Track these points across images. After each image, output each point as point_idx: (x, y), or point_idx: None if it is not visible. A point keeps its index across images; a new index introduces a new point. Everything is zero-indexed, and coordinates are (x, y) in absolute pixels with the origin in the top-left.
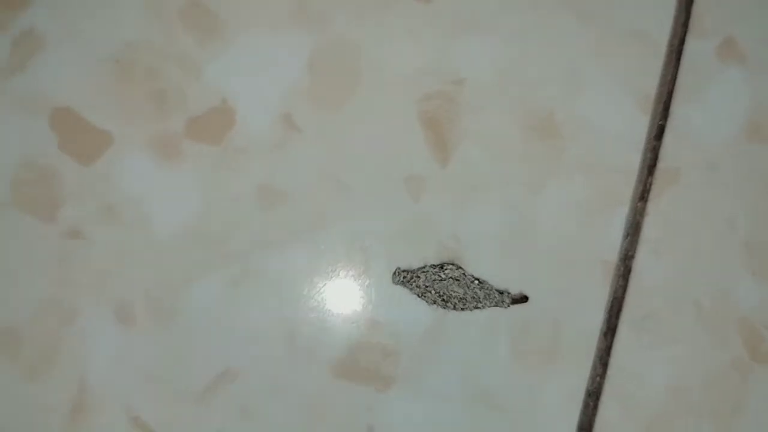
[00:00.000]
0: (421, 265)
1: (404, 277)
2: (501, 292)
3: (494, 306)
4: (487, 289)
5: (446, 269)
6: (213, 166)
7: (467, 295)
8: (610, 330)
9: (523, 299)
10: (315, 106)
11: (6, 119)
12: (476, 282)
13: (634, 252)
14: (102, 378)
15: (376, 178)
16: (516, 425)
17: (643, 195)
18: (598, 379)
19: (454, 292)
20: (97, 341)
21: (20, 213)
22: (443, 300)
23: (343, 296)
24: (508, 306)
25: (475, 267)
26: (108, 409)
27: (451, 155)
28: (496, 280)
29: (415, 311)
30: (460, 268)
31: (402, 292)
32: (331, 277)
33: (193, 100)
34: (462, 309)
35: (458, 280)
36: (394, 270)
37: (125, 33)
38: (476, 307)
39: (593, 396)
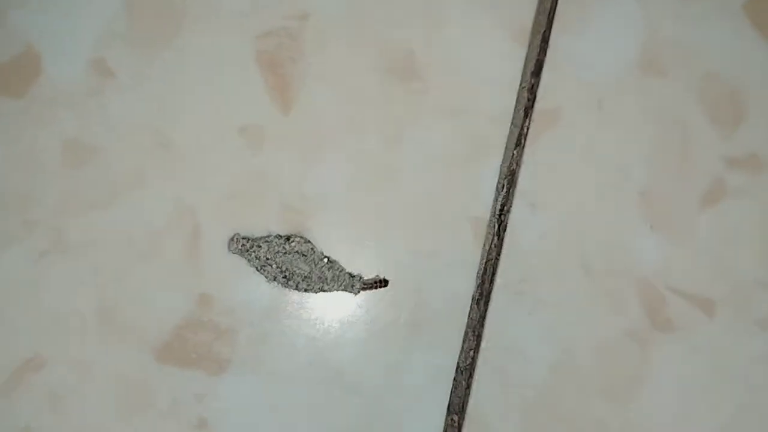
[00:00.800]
0: (265, 234)
1: (243, 246)
2: (353, 276)
3: (342, 290)
4: (337, 269)
5: (293, 241)
6: (15, 119)
7: (313, 274)
8: (483, 297)
9: (381, 284)
10: (133, 49)
11: None
12: (325, 260)
13: (510, 206)
14: None
15: (205, 129)
16: (376, 409)
17: (518, 140)
18: (470, 353)
19: (299, 269)
20: None
21: None
22: (285, 277)
23: (168, 268)
24: (358, 292)
25: (324, 231)
26: None
27: (294, 101)
28: (348, 246)
29: (255, 286)
30: (309, 242)
31: (239, 263)
32: (154, 246)
33: None
34: (305, 290)
35: (305, 255)
36: (232, 236)
37: None
38: (321, 290)
39: (465, 373)
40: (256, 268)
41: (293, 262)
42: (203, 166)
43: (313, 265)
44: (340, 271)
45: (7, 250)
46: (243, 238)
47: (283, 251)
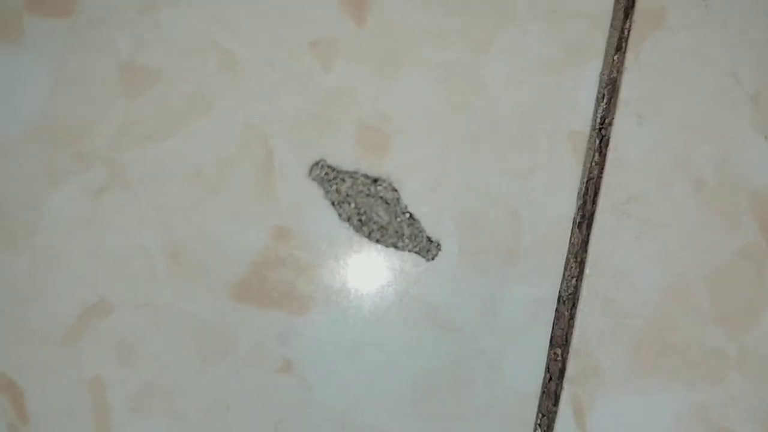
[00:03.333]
0: (352, 169)
1: (327, 174)
2: (431, 241)
3: (416, 252)
4: (417, 228)
5: (380, 185)
6: (62, 44)
7: (390, 226)
8: (585, 219)
9: None
10: None
11: None
12: (407, 215)
13: (612, 118)
14: None
15: (272, 45)
16: (471, 347)
17: (619, 45)
18: (573, 281)
19: (378, 216)
20: None
21: None
22: (360, 220)
23: (240, 200)
24: (432, 259)
25: (408, 152)
26: None
27: (369, 10)
28: (435, 168)
29: (337, 217)
30: (396, 191)
31: (317, 194)
32: (224, 176)
33: None
34: (377, 240)
35: (388, 203)
36: (317, 161)
37: None
38: (394, 245)
39: (568, 303)
40: (333, 202)
41: (373, 207)
42: (272, 86)
43: (393, 217)
44: (420, 232)
45: (60, 187)
46: (328, 166)
47: (367, 192)
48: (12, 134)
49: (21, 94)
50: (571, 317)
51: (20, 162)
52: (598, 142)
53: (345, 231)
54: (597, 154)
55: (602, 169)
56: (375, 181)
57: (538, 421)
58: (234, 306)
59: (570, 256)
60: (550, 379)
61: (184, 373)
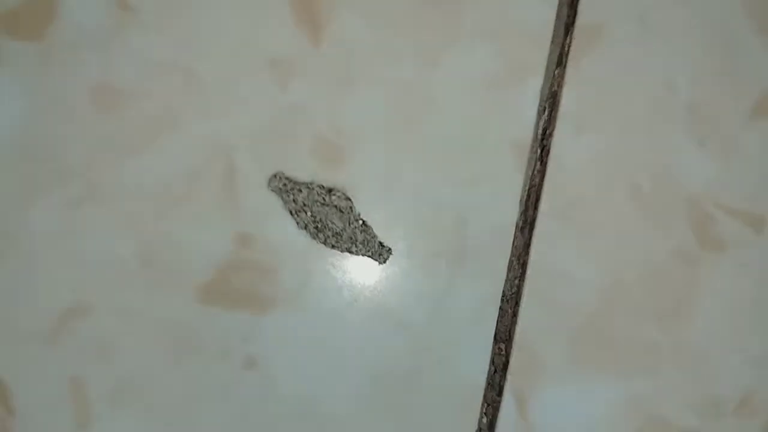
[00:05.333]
0: (308, 180)
1: (284, 185)
2: (383, 246)
3: (369, 256)
4: (369, 234)
5: (334, 195)
6: (37, 66)
7: (344, 233)
8: (527, 223)
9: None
10: None
11: None
12: (360, 222)
13: (552, 129)
14: None
15: (233, 65)
16: (422, 342)
17: (560, 60)
18: (516, 281)
19: (332, 223)
20: None
21: None
22: (316, 228)
23: (206, 209)
24: (384, 262)
25: (360, 165)
26: None
27: (324, 30)
28: (387, 178)
29: (295, 225)
30: (349, 200)
31: (276, 203)
32: (190, 187)
33: None
34: (332, 246)
35: (342, 211)
36: (275, 173)
37: None
38: (348, 250)
39: (511, 302)
40: (290, 211)
41: (328, 215)
42: (234, 103)
43: (347, 224)
44: (372, 237)
45: (40, 200)
46: (285, 178)
47: (322, 202)
48: None
49: None
50: (514, 315)
51: (2, 176)
52: (539, 152)
53: (303, 237)
54: (539, 163)
55: (543, 177)
56: (330, 191)
57: (484, 410)
58: (201, 308)
59: (513, 258)
60: (495, 371)
61: (156, 370)
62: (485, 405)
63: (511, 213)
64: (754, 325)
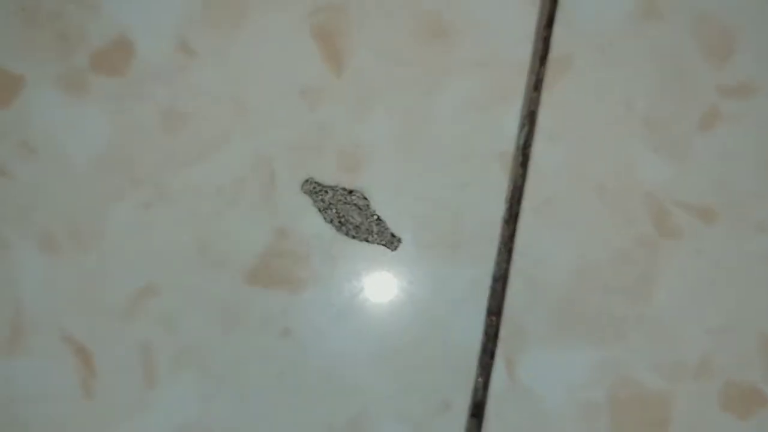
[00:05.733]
0: (333, 184)
1: (313, 188)
2: (394, 236)
3: (383, 245)
4: (383, 227)
5: (354, 195)
6: (118, 96)
7: (362, 226)
8: (512, 217)
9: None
10: (209, 30)
11: None
12: (375, 217)
13: (531, 141)
14: (34, 302)
15: (273, 93)
16: (427, 315)
17: (536, 85)
18: (503, 264)
19: (353, 218)
20: (27, 270)
21: None
22: (339, 222)
23: (251, 209)
24: (395, 250)
25: (376, 170)
26: (42, 329)
27: (344, 65)
28: (395, 183)
29: (323, 220)
30: (366, 199)
31: (308, 203)
32: (238, 192)
33: (95, 36)
34: (353, 236)
35: (360, 209)
36: (306, 179)
37: None
38: (366, 240)
39: (500, 282)
40: (319, 209)
41: (349, 212)
42: (273, 123)
43: (364, 219)
44: (385, 229)
45: (119, 203)
46: (315, 182)
47: (344, 201)
48: (81, 164)
49: (87, 134)
50: (503, 292)
51: (88, 184)
52: (521, 159)
53: (329, 230)
54: (521, 168)
55: (524, 179)
56: (350, 192)
57: (479, 372)
58: (247, 288)
59: (501, 245)
60: (487, 340)
61: (210, 339)
62: (480, 368)
63: (499, 209)
64: (709, 301)
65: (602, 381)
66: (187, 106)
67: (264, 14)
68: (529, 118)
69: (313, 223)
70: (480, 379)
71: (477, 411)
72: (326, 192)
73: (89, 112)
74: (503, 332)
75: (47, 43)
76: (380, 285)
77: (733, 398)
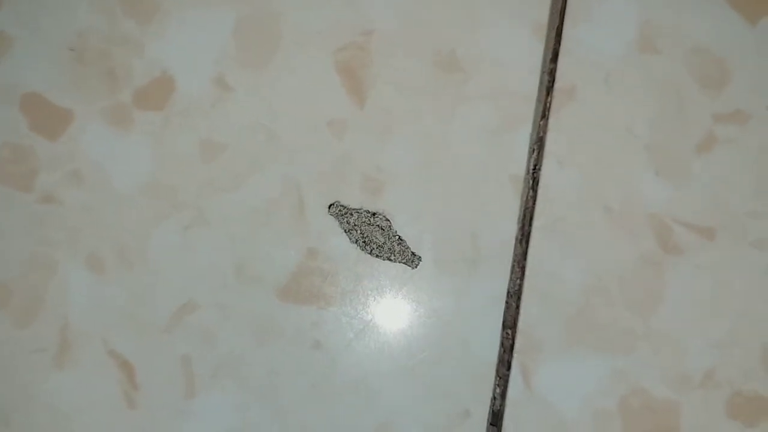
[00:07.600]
0: (358, 206)
1: (339, 211)
2: (414, 254)
3: (403, 263)
4: (404, 246)
5: (377, 217)
6: (160, 128)
7: (385, 245)
8: (524, 237)
9: None
10: (243, 67)
11: None
12: (397, 237)
13: (540, 165)
14: (81, 319)
15: (301, 124)
16: (447, 327)
17: (544, 113)
18: (517, 281)
19: (376, 239)
20: (75, 288)
21: (1, 186)
22: (364, 242)
23: (282, 230)
24: (416, 267)
25: (395, 195)
26: (88, 344)
27: (366, 97)
28: (414, 205)
29: (348, 241)
30: (389, 221)
31: (335, 225)
32: (271, 215)
33: (138, 74)
34: (376, 255)
35: (383, 229)
36: (333, 203)
37: (77, 24)
38: (388, 258)
39: (514, 297)
40: (345, 230)
41: (373, 232)
42: (302, 151)
43: (387, 239)
44: (406, 249)
45: (161, 225)
46: (341, 206)
47: (368, 223)
48: (126, 191)
49: (131, 163)
50: (517, 307)
51: (133, 209)
52: (531, 182)
53: (354, 249)
54: (531, 191)
55: (535, 201)
56: (374, 214)
57: (497, 382)
58: (280, 303)
59: (515, 263)
60: (504, 351)
61: (246, 351)
62: (497, 378)
63: (512, 229)
64: (712, 315)
65: (614, 390)
66: (223, 137)
67: (293, 52)
68: (538, 144)
69: (339, 243)
70: (498, 389)
71: (495, 419)
72: (351, 214)
73: (133, 143)
74: (519, 344)
75: (95, 81)
76: (402, 301)
77: (740, 407)
